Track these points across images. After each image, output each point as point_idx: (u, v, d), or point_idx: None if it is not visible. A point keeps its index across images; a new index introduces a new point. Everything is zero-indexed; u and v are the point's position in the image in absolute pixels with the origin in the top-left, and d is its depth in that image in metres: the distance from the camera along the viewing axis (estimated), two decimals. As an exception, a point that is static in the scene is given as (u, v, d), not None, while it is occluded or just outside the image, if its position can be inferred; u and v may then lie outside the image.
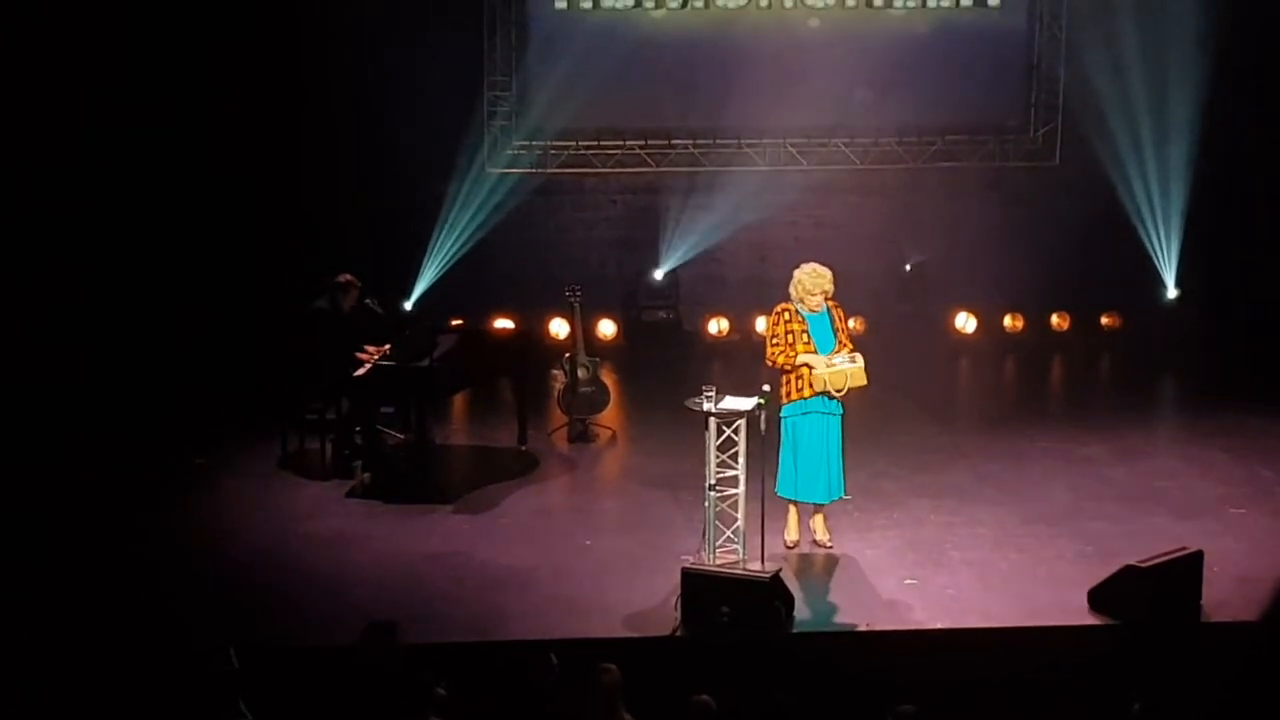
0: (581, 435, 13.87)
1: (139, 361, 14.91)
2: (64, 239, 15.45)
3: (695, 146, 17.11)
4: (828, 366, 10.74)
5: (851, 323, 11.09)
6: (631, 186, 17.43)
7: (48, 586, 10.38)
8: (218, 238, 15.82)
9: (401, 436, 13.22)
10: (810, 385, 10.79)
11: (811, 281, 10.88)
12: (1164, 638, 9.70)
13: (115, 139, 15.62)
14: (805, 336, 10.81)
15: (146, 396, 14.31)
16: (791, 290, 10.97)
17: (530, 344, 14.58)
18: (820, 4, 17.01)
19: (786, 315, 10.88)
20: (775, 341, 10.85)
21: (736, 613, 9.73)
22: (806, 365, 10.74)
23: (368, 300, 13.16)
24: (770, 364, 10.89)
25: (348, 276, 13.08)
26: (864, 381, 10.82)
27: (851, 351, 10.85)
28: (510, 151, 17.11)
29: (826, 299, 10.92)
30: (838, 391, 10.77)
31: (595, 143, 17.19)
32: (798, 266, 11.03)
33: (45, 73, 15.29)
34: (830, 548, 11.13)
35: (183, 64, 15.48)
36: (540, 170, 17.20)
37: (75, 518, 11.67)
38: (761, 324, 16.12)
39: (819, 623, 10.05)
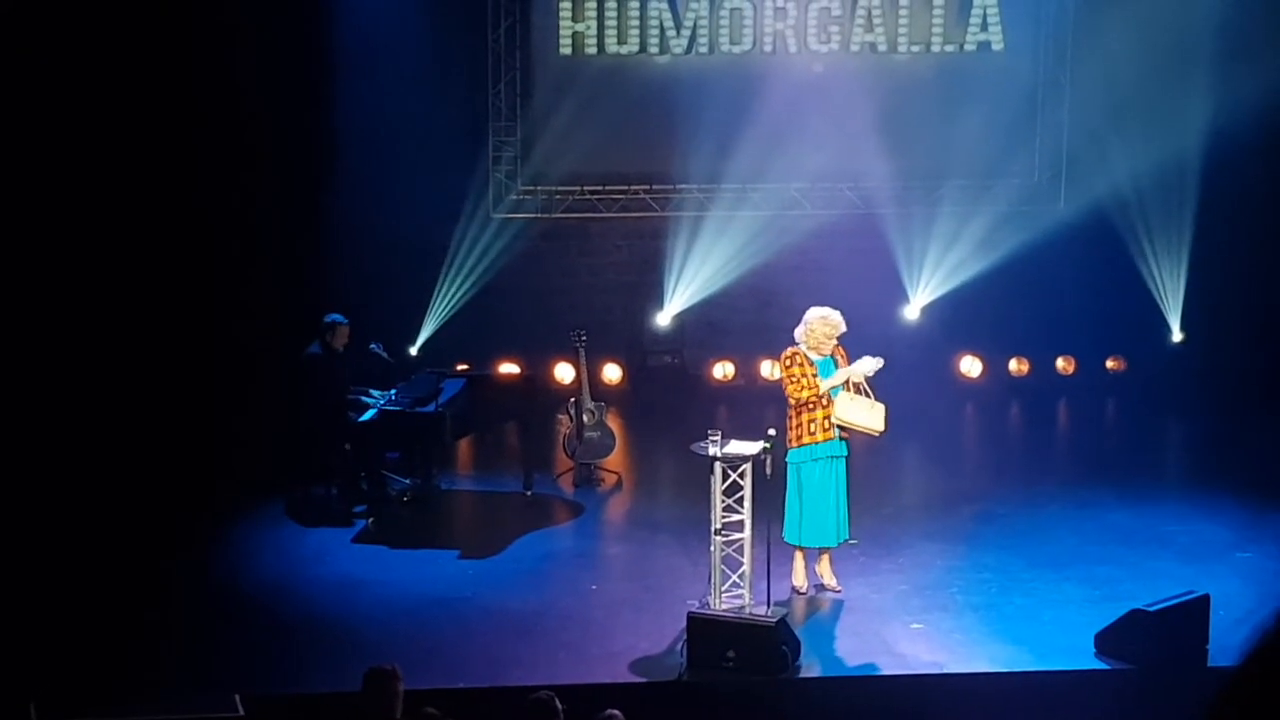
0: (587, 480, 13.85)
1: (146, 406, 14.89)
2: (79, 283, 15.45)
3: (700, 191, 17.12)
4: (851, 399, 10.76)
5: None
6: (636, 231, 17.43)
7: (54, 634, 10.37)
8: (218, 285, 15.77)
9: (407, 481, 13.22)
10: (824, 428, 10.78)
11: (828, 328, 10.88)
12: (1171, 682, 9.67)
13: (121, 191, 15.61)
14: (818, 380, 10.82)
15: (153, 442, 14.28)
16: (801, 336, 10.95)
17: (535, 389, 14.59)
18: (825, 49, 17.05)
19: (799, 359, 10.87)
20: (794, 379, 10.83)
21: (742, 658, 9.72)
22: (832, 388, 10.73)
23: (373, 346, 13.19)
24: (794, 401, 10.83)
25: (335, 316, 13.11)
26: (880, 427, 10.84)
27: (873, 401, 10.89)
28: (515, 197, 17.14)
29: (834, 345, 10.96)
30: (870, 426, 10.77)
31: (600, 187, 17.21)
32: (806, 311, 11.05)
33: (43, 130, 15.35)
34: (838, 592, 11.11)
35: (184, 108, 15.49)
36: (545, 215, 17.23)
37: (82, 566, 11.65)
38: (766, 368, 16.15)
39: (825, 667, 10.03)
